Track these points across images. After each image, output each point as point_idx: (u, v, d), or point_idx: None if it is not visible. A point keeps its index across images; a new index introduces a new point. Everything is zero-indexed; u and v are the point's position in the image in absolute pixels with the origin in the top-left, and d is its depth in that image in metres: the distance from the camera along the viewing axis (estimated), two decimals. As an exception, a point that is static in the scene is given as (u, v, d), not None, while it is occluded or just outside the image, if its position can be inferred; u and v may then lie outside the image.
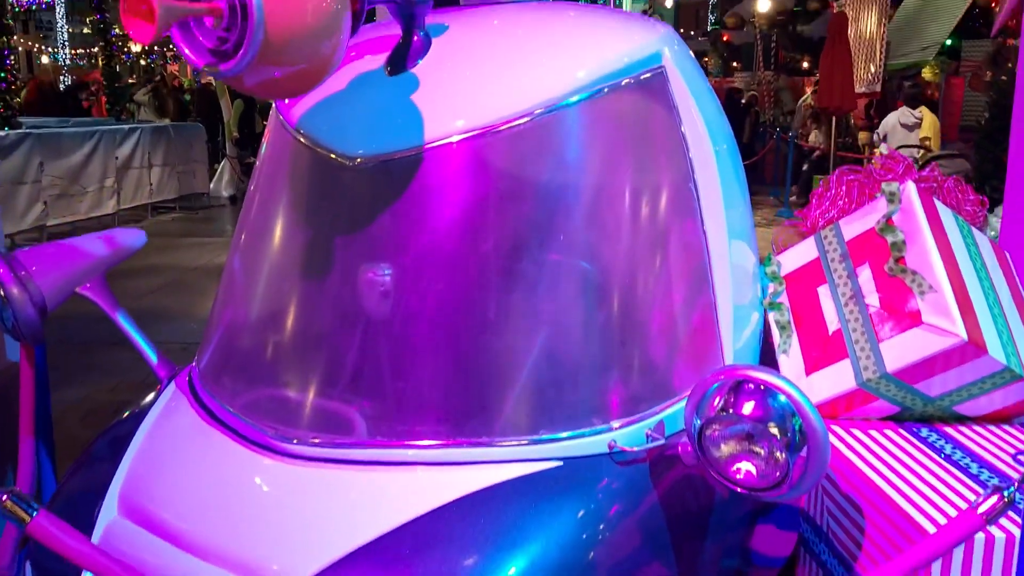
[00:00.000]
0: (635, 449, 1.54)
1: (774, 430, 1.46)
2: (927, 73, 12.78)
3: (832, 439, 1.76)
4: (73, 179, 8.17)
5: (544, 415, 1.55)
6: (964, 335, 1.67)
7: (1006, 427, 1.86)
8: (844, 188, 2.04)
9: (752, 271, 2.02)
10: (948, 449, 1.74)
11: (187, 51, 1.35)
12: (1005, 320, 1.83)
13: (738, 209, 1.95)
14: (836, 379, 1.82)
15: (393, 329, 1.59)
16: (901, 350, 1.74)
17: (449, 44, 1.74)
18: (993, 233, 2.19)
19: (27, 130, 8.09)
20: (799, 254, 2.05)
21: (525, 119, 1.60)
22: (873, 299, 1.84)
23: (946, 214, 1.94)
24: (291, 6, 1.31)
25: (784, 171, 12.06)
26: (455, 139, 1.58)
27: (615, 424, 1.57)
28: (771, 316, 1.97)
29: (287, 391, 1.61)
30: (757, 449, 1.49)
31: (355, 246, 1.63)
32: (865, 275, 1.88)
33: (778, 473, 1.46)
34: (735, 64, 20.65)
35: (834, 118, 9.98)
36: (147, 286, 6.59)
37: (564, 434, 1.53)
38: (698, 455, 1.53)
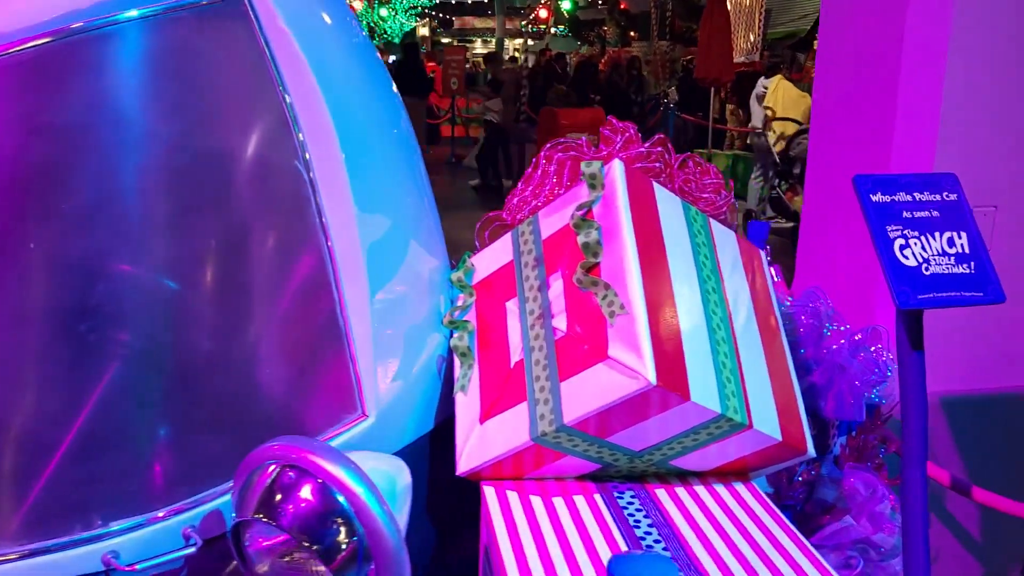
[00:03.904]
0: (137, 567, 1.03)
1: (336, 540, 0.98)
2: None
3: (496, 515, 1.29)
4: None
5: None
6: (652, 378, 1.20)
7: (737, 487, 1.41)
8: (554, 167, 1.56)
9: (429, 278, 1.52)
10: (644, 526, 1.28)
11: None
12: (735, 352, 1.38)
13: (398, 196, 1.45)
14: (510, 430, 1.34)
15: None
16: (582, 394, 1.27)
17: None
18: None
19: None
20: (494, 255, 1.55)
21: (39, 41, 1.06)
22: (561, 321, 1.36)
23: (670, 205, 1.47)
24: None
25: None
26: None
27: (116, 525, 1.05)
28: (452, 339, 1.48)
29: None
30: (316, 568, 1.01)
31: None
32: (557, 287, 1.40)
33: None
34: (632, 34, 20.34)
35: (712, 90, 9.63)
36: None
37: (18, 552, 1.01)
38: (242, 568, 1.03)
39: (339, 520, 0.96)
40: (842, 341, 1.72)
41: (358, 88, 1.38)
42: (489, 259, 1.55)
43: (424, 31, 30.86)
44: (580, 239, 1.33)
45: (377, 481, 1.08)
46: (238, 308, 1.20)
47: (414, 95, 10.00)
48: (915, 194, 1.45)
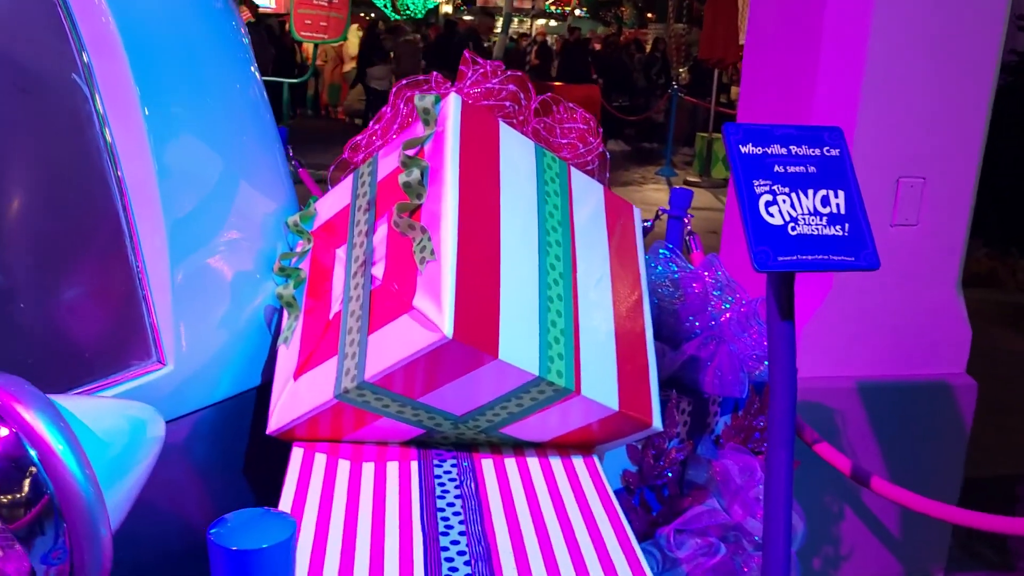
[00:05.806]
0: None
1: (22, 496, 0.86)
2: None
3: (291, 477, 1.17)
4: None
5: None
6: (449, 331, 1.07)
7: (575, 461, 1.29)
8: (406, 106, 1.42)
9: (263, 223, 1.40)
10: (450, 497, 1.15)
11: None
12: (573, 311, 1.24)
13: (221, 138, 1.33)
14: (318, 387, 1.22)
15: None
16: (385, 348, 1.14)
17: None
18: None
19: None
20: (335, 199, 1.43)
21: None
22: (380, 269, 1.23)
23: (518, 149, 1.33)
24: None
25: (686, 129, 11.58)
26: None
27: None
28: (278, 288, 1.36)
29: None
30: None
31: None
32: (382, 232, 1.27)
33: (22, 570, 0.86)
34: (649, 15, 20.02)
35: (716, 73, 9.40)
36: None
37: None
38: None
39: (28, 473, 0.84)
40: (728, 313, 1.59)
41: (169, 20, 1.26)
42: (331, 203, 1.43)
43: (447, 8, 30.59)
44: (401, 179, 1.20)
45: (116, 427, 0.96)
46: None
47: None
48: (792, 147, 1.30)
